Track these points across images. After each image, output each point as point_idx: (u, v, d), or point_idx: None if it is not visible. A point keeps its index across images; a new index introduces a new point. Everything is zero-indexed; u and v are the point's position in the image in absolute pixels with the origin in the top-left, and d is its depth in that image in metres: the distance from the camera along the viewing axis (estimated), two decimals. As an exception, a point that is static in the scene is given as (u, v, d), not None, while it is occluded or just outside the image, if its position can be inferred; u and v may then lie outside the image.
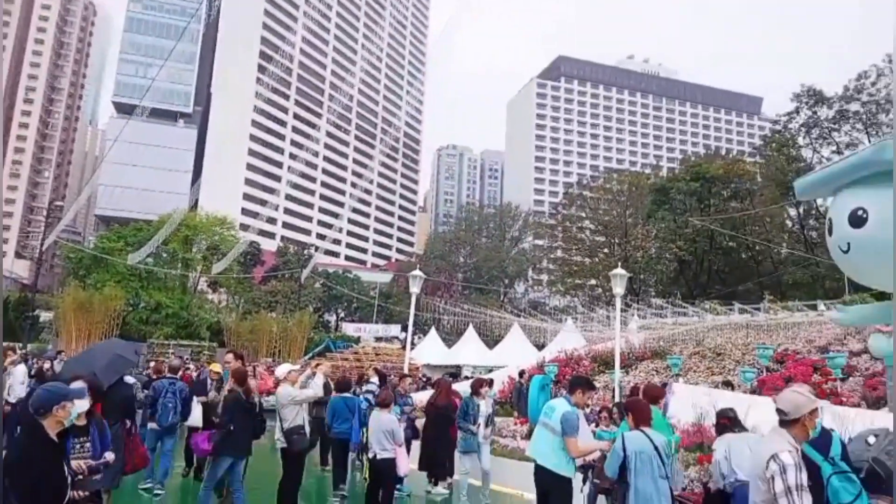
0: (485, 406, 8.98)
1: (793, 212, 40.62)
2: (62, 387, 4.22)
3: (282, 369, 8.27)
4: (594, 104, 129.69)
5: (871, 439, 5.55)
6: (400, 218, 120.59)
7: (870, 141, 35.03)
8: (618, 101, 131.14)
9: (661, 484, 5.47)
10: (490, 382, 10.60)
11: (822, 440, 5.18)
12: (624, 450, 5.40)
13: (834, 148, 38.77)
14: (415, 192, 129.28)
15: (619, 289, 13.92)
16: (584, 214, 54.09)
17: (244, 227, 68.36)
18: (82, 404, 4.51)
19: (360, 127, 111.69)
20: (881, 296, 10.93)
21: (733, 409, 6.51)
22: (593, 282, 48.27)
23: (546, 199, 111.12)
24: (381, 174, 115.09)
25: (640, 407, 5.91)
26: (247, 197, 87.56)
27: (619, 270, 14.05)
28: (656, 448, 5.49)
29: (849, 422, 7.61)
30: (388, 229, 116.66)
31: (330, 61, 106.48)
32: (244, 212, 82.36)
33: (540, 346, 28.11)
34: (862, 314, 11.97)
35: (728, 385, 12.37)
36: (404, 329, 39.74)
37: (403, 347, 25.06)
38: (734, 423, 6.21)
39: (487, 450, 8.92)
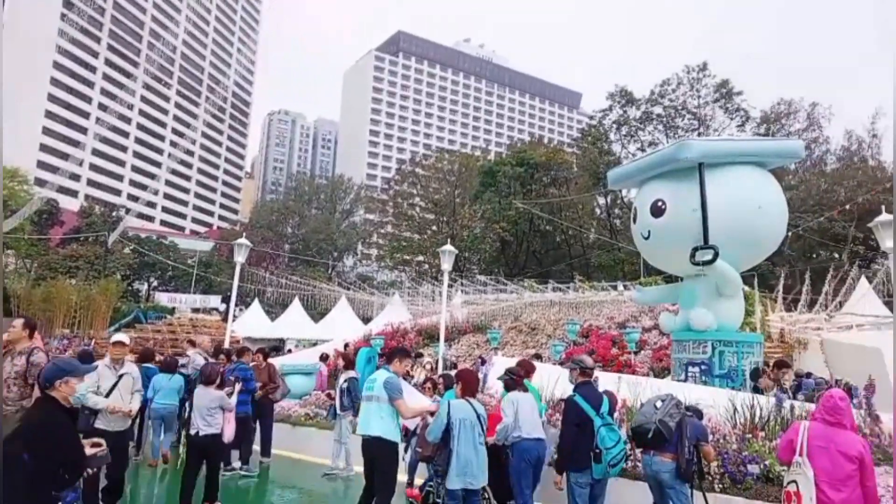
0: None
1: (602, 200, 44.54)
2: (70, 362, 4.11)
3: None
4: (430, 83, 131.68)
5: (659, 404, 6.29)
6: (224, 183, 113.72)
7: (668, 141, 39.37)
8: (453, 83, 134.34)
9: (480, 450, 5.82)
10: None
11: (596, 399, 6.12)
12: (449, 417, 5.68)
13: (639, 145, 42.97)
14: (242, 157, 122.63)
15: (446, 265, 14.36)
16: (415, 191, 54.96)
17: (40, 183, 60.64)
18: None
19: (183, 82, 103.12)
20: (670, 279, 12.48)
21: (521, 369, 7.10)
22: (421, 258, 49.42)
23: (379, 173, 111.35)
24: (205, 135, 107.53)
25: (470, 378, 6.26)
26: (45, 149, 77.40)
27: (448, 247, 14.48)
28: (479, 417, 5.85)
29: (640, 388, 8.57)
30: (210, 195, 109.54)
31: (151, 6, 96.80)
32: (41, 165, 72.94)
33: (367, 320, 28.25)
34: (654, 295, 13.56)
35: (538, 357, 13.34)
36: (225, 300, 37.80)
37: (223, 319, 23.84)
38: (518, 383, 6.76)
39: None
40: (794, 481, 4.40)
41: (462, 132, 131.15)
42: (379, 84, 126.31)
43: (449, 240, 23.79)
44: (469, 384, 6.08)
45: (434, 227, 50.28)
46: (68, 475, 3.66)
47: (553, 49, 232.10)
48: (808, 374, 12.22)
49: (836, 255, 32.21)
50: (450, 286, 27.35)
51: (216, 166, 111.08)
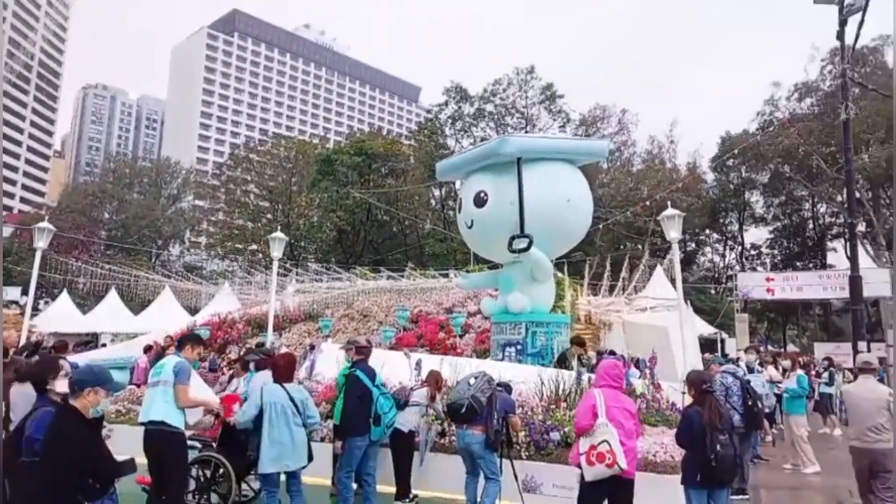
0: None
1: (437, 192, 45.82)
2: (105, 372, 3.92)
3: None
4: (268, 66, 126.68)
5: (472, 381, 6.80)
6: (28, 162, 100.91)
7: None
8: (291, 68, 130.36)
9: (297, 431, 5.94)
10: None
11: (372, 373, 6.86)
12: (261, 400, 5.77)
13: (472, 140, 44.71)
14: (50, 134, 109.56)
15: (276, 252, 14.10)
16: (249, 178, 52.75)
17: None
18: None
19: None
20: (496, 267, 13.26)
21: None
22: (255, 246, 47.65)
23: (210, 157, 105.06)
24: (4, 107, 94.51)
25: (283, 363, 6.41)
26: None
27: (278, 234, 14.23)
28: (292, 400, 5.97)
29: (461, 368, 9.10)
30: (11, 174, 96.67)
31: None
32: None
33: (194, 311, 26.76)
34: (477, 281, 14.36)
35: (369, 344, 13.53)
36: (25, 292, 33.77)
37: (22, 313, 21.33)
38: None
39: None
40: (606, 441, 5.00)
41: (301, 119, 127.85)
42: (212, 64, 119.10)
43: (284, 228, 23.25)
44: (281, 369, 6.23)
45: (269, 215, 48.65)
46: (99, 485, 3.56)
47: (394, 41, 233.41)
48: (612, 352, 13.63)
49: (639, 246, 36.03)
50: (284, 275, 26.74)
51: (18, 143, 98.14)
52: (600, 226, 30.41)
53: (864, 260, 35.45)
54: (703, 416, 5.47)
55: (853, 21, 18.06)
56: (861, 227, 33.34)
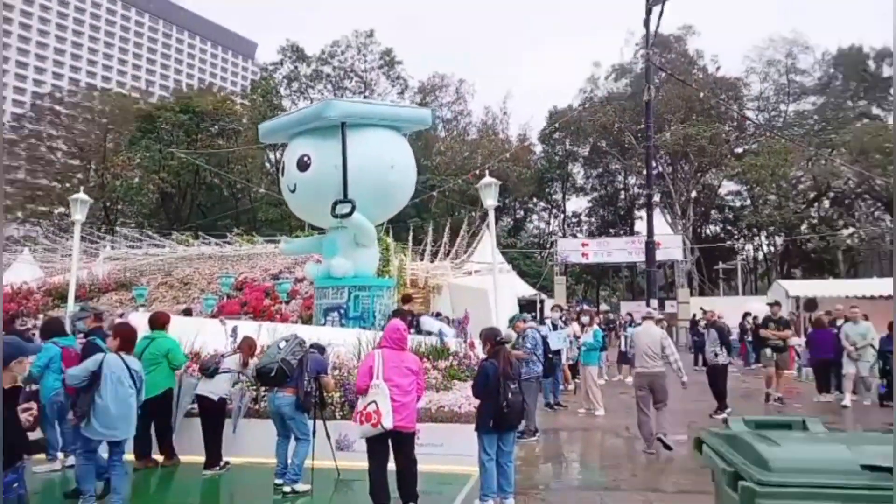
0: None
1: (272, 155, 44.18)
2: (22, 342, 4.25)
3: None
4: (80, 7, 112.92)
5: (283, 344, 6.82)
6: None
7: (336, 101, 40.52)
8: (108, 11, 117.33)
9: (129, 403, 5.80)
10: None
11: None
12: (100, 368, 5.69)
13: (309, 102, 43.49)
14: None
15: (79, 215, 12.94)
16: (55, 133, 47.15)
17: None
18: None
19: None
20: (321, 231, 13.21)
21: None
22: (63, 209, 42.99)
23: (9, 108, 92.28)
24: None
25: (125, 333, 6.23)
26: None
27: (81, 195, 13.02)
28: (131, 371, 5.88)
29: (280, 334, 9.02)
30: None
31: None
32: None
33: (-17, 282, 23.67)
34: (301, 246, 14.20)
35: (188, 312, 12.97)
36: None
37: None
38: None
39: None
40: (374, 401, 5.28)
41: (119, 69, 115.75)
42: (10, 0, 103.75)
43: (98, 189, 21.19)
44: (122, 340, 6.08)
45: (80, 175, 44.00)
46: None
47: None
48: (438, 314, 14.23)
49: (472, 213, 37.61)
50: (97, 241, 24.50)
51: None
52: (434, 192, 31.21)
53: (665, 227, 39.96)
54: (498, 367, 5.97)
55: (663, 11, 20.00)
56: (657, 198, 37.27)
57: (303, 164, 11.33)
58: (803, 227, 38.45)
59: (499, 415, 5.83)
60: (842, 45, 41.35)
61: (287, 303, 14.36)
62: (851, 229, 37.85)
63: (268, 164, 44.98)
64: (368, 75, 45.80)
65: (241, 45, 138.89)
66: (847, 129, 36.29)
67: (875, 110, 41.27)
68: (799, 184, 38.48)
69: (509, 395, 5.86)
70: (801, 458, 2.10)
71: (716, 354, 10.68)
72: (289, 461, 6.58)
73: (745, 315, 18.93)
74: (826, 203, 40.20)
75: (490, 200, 12.13)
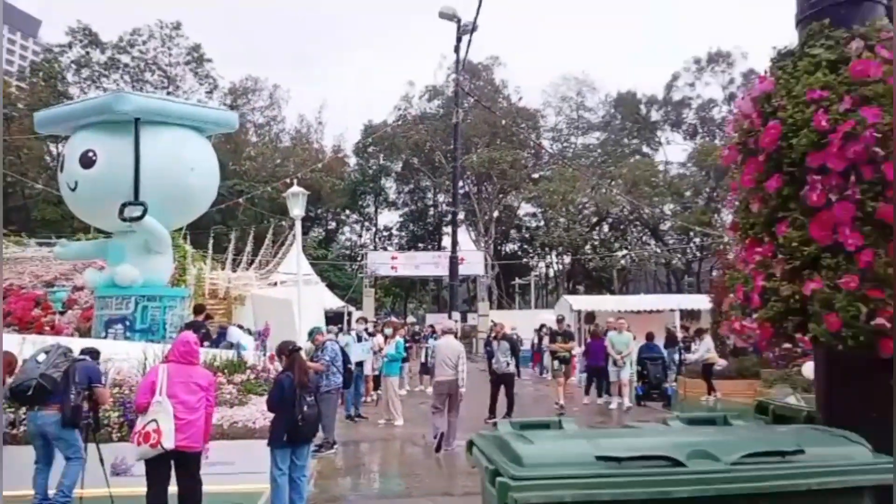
0: None
1: (55, 148, 39.31)
2: None
3: None
4: None
5: (42, 357, 6.02)
6: None
7: (133, 94, 37.19)
8: None
9: None
10: None
11: None
12: None
13: (101, 92, 39.43)
14: None
15: None
16: None
17: None
18: None
19: None
20: (107, 235, 12.00)
21: None
22: None
23: None
24: None
25: None
26: None
27: None
28: None
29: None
30: None
31: None
32: None
33: None
34: (80, 251, 12.82)
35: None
36: None
37: None
38: None
39: None
40: (155, 420, 4.92)
41: None
42: None
43: None
44: None
45: None
46: None
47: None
48: (240, 326, 13.59)
49: (282, 223, 36.60)
50: None
51: None
52: (241, 199, 29.90)
53: (469, 244, 42.15)
54: (294, 379, 5.88)
55: (472, 40, 21.14)
56: (463, 216, 39.27)
57: (87, 161, 10.28)
58: (587, 247, 42.81)
59: (293, 428, 5.74)
60: (620, 90, 47.08)
61: (62, 313, 12.80)
62: (625, 251, 42.98)
63: (48, 158, 39.88)
64: (173, 70, 42.73)
65: (19, 19, 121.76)
66: (623, 163, 41.28)
67: (645, 149, 47.46)
68: (584, 209, 42.81)
69: (305, 407, 5.81)
70: (549, 453, 2.36)
71: (508, 364, 11.49)
72: (50, 491, 5.88)
73: (542, 326, 20.53)
74: (606, 227, 45.19)
75: (297, 210, 11.95)
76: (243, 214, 35.92)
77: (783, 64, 3.24)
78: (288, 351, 6.06)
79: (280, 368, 6.47)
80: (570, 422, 2.96)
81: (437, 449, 8.82)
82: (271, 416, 6.11)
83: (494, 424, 2.99)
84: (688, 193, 39.57)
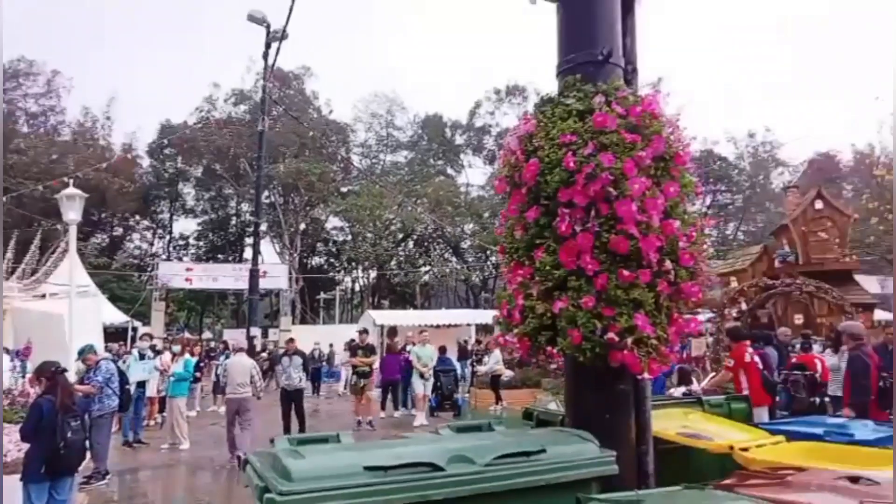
0: None
1: None
2: None
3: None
4: None
5: None
6: None
7: None
8: None
9: None
10: None
11: None
12: None
13: None
14: None
15: None
16: None
17: None
18: None
19: None
20: None
21: None
22: None
23: None
24: None
25: None
26: None
27: None
28: None
29: None
30: None
31: None
32: None
33: None
34: None
35: None
36: None
37: None
38: None
39: None
40: None
41: None
42: None
43: None
44: None
45: None
46: None
47: None
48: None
49: (57, 227, 32.53)
50: None
51: None
52: (4, 198, 26.03)
53: (274, 256, 40.88)
54: (56, 402, 5.31)
55: (280, 48, 20.62)
56: (264, 227, 38.08)
57: None
58: (392, 263, 43.70)
59: (54, 457, 5.19)
60: (428, 112, 49.01)
61: None
62: (428, 267, 44.58)
63: None
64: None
65: None
66: (428, 182, 42.88)
67: (449, 170, 49.82)
68: (391, 225, 43.70)
69: (69, 433, 5.28)
70: (319, 466, 2.43)
71: (300, 380, 11.36)
72: None
73: (351, 341, 20.47)
74: (411, 244, 46.53)
75: (72, 214, 10.77)
76: (7, 215, 31.29)
77: (544, 109, 3.69)
78: (50, 373, 5.46)
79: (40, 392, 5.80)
80: (348, 435, 3.06)
81: (233, 458, 8.89)
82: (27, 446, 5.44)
83: (271, 441, 3.00)
84: (486, 214, 42.11)
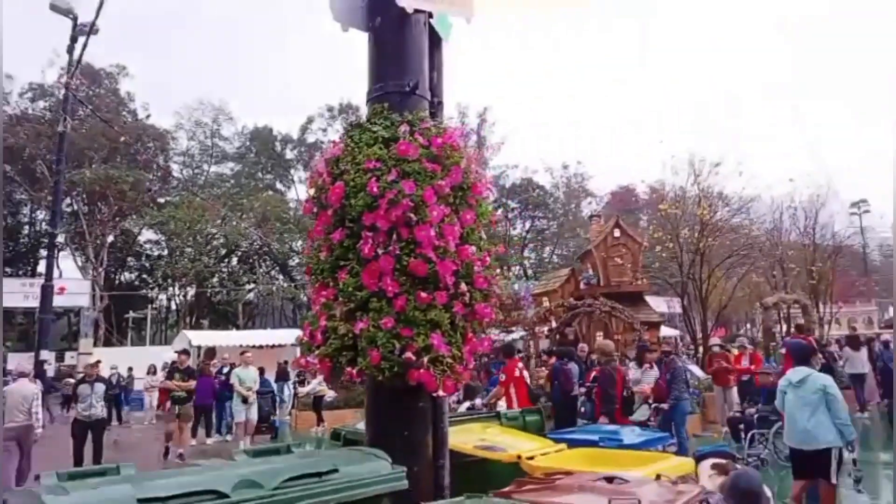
0: None
1: None
2: None
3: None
4: None
5: None
6: None
7: None
8: None
9: None
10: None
11: None
12: None
13: None
14: None
15: None
16: None
17: None
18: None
19: None
20: None
21: None
22: None
23: None
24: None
25: None
26: None
27: None
28: None
29: None
30: None
31: None
32: None
33: None
34: None
35: None
36: None
37: None
38: None
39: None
40: None
41: None
42: None
43: None
44: None
45: None
46: None
47: None
48: None
49: None
50: None
51: None
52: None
53: (75, 271, 36.87)
54: None
55: (88, 43, 18.80)
56: (62, 238, 34.42)
57: None
58: (214, 279, 41.35)
59: None
60: (257, 124, 47.36)
61: None
62: (252, 285, 42.80)
63: None
64: None
65: None
66: (256, 196, 41.30)
67: (279, 185, 48.43)
68: (213, 240, 41.40)
69: None
70: (83, 502, 2.26)
71: (103, 409, 10.43)
72: None
73: (173, 363, 18.94)
74: (234, 260, 44.39)
75: None
76: None
77: (352, 133, 3.78)
78: None
79: None
80: (131, 467, 2.86)
81: None
82: None
83: (37, 478, 2.72)
84: (315, 232, 41.35)
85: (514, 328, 19.06)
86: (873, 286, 35.81)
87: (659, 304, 25.46)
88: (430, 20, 4.19)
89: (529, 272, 44.74)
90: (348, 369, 3.44)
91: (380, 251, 3.41)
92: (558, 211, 47.03)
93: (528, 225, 46.81)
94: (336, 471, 2.76)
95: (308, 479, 2.68)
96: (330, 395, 15.60)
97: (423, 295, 3.37)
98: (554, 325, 17.27)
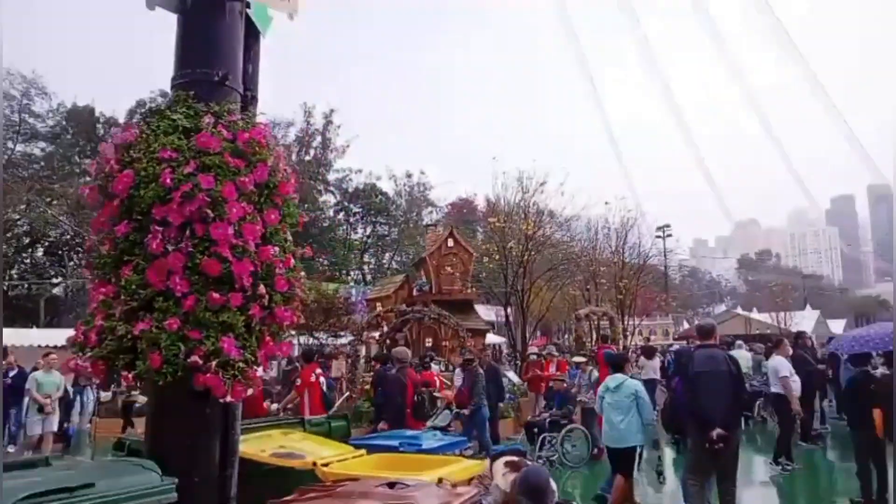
0: None
1: None
2: None
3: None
4: None
5: None
6: None
7: None
8: None
9: None
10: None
11: None
12: None
13: None
14: None
15: None
16: None
17: None
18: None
19: None
20: None
21: None
22: None
23: None
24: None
25: None
26: None
27: None
28: None
29: None
30: None
31: None
32: None
33: None
34: None
35: None
36: None
37: None
38: None
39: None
40: None
41: None
42: None
43: None
44: None
45: None
46: None
47: None
48: None
49: None
50: None
51: None
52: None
53: None
54: None
55: None
56: None
57: None
58: (13, 272, 36.64)
59: None
60: (77, 102, 42.76)
61: None
62: (60, 279, 38.49)
63: None
64: None
65: None
66: (70, 182, 37.23)
67: (98, 171, 43.90)
68: (15, 227, 36.71)
69: None
70: None
71: None
72: None
73: None
74: (40, 251, 39.68)
75: None
76: None
77: (150, 120, 3.51)
78: None
79: None
80: None
81: None
82: None
83: None
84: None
85: (342, 332, 18.92)
86: (671, 302, 40.08)
87: (488, 312, 26.59)
88: (248, 10, 4.02)
89: (368, 277, 44.76)
90: (125, 373, 3.17)
91: (169, 247, 3.18)
92: (399, 218, 47.56)
93: (369, 230, 46.83)
94: (92, 485, 2.52)
95: (55, 496, 2.42)
96: (141, 400, 14.40)
97: (216, 296, 3.20)
98: (385, 330, 17.36)
